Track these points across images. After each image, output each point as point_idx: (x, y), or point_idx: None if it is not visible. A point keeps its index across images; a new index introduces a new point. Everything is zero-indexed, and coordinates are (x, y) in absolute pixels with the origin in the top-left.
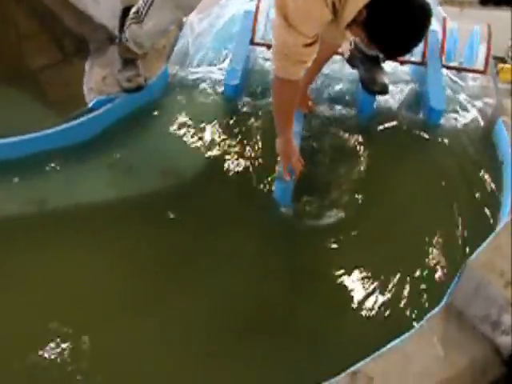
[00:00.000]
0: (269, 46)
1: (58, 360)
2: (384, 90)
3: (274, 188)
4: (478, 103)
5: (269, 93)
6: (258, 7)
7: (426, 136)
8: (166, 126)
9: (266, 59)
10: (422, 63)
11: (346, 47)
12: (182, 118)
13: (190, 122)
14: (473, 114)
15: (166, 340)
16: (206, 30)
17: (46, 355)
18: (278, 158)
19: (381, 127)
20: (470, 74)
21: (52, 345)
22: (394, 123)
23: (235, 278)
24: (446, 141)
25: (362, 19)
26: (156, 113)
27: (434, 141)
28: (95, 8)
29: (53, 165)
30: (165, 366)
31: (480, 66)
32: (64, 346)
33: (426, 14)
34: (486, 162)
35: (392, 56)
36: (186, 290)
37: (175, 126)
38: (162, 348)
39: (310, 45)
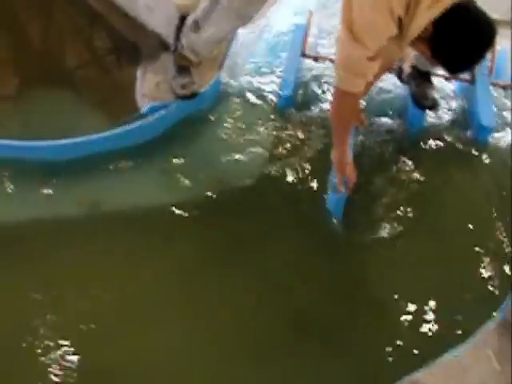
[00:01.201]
0: (318, 59)
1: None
2: (435, 106)
3: (327, 199)
4: None
5: (316, 105)
6: (309, 20)
7: (474, 153)
8: (218, 133)
9: (312, 71)
10: (471, 81)
11: (407, 64)
12: (234, 127)
13: (241, 131)
14: None
15: (206, 342)
16: (253, 41)
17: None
18: (332, 169)
19: (430, 142)
20: None
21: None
22: (443, 139)
23: (280, 284)
24: (493, 158)
25: (427, 35)
26: (208, 120)
27: (481, 157)
28: (149, 16)
29: (106, 167)
30: (205, 366)
31: None
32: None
33: (492, 31)
34: None
35: (455, 72)
36: (228, 292)
37: (227, 134)
38: (202, 349)
39: (373, 58)
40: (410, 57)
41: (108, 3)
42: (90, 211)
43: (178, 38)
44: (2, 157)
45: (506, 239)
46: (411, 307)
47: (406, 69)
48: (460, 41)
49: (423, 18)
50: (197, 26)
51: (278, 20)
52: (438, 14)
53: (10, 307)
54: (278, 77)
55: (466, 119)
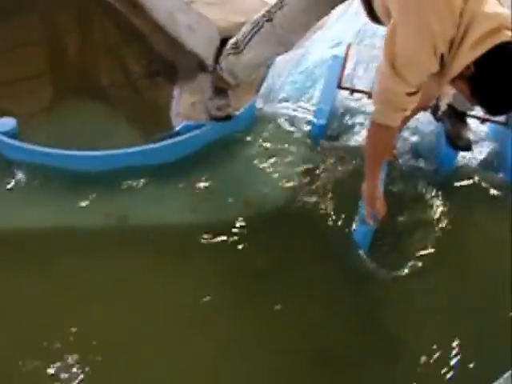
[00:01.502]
0: (354, 91)
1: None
2: (468, 147)
3: (354, 230)
4: None
5: (348, 136)
6: (347, 52)
7: (505, 196)
8: (250, 157)
9: (346, 103)
10: (506, 123)
11: (444, 102)
12: (266, 152)
13: (273, 157)
14: None
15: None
16: (290, 69)
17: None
18: (361, 202)
19: (459, 183)
20: None
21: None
22: (473, 180)
23: (302, 315)
24: None
25: (468, 74)
26: (240, 143)
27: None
28: (189, 36)
29: (135, 182)
30: None
31: None
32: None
33: None
34: None
35: (493, 114)
36: (244, 321)
37: (258, 159)
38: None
39: (412, 94)
40: (448, 95)
41: (149, 22)
42: (116, 224)
43: (217, 59)
44: (34, 163)
45: None
46: (432, 348)
47: (443, 106)
48: (501, 82)
49: (466, 57)
50: (237, 49)
51: (315, 50)
52: (480, 54)
53: (27, 314)
54: (313, 105)
55: (498, 162)
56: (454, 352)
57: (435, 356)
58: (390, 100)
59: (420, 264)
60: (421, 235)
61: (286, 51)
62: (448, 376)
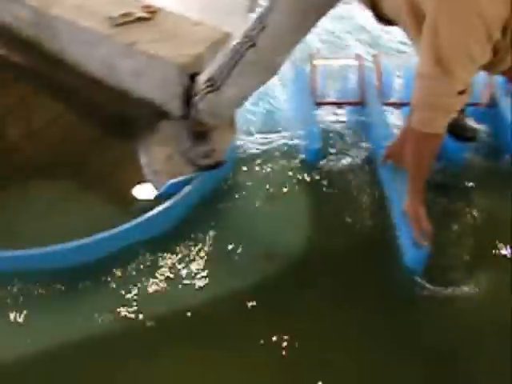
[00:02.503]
0: (337, 105)
1: None
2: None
3: (403, 254)
4: None
5: (343, 154)
6: (312, 64)
7: None
8: (252, 201)
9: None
10: None
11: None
12: (264, 193)
13: (275, 195)
14: None
15: None
16: None
17: None
18: (398, 224)
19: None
20: None
21: None
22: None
23: (348, 349)
24: None
25: None
26: (236, 189)
27: None
28: (136, 82)
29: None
30: None
31: None
32: None
33: None
34: None
35: None
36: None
37: (261, 202)
38: None
39: (463, 92)
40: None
41: (80, 77)
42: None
43: (188, 102)
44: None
45: None
46: None
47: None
48: None
49: None
50: (214, 86)
51: None
52: None
53: None
54: (285, 130)
55: None
56: None
57: None
58: (439, 104)
59: (478, 283)
60: (473, 250)
61: (273, 76)
62: None
